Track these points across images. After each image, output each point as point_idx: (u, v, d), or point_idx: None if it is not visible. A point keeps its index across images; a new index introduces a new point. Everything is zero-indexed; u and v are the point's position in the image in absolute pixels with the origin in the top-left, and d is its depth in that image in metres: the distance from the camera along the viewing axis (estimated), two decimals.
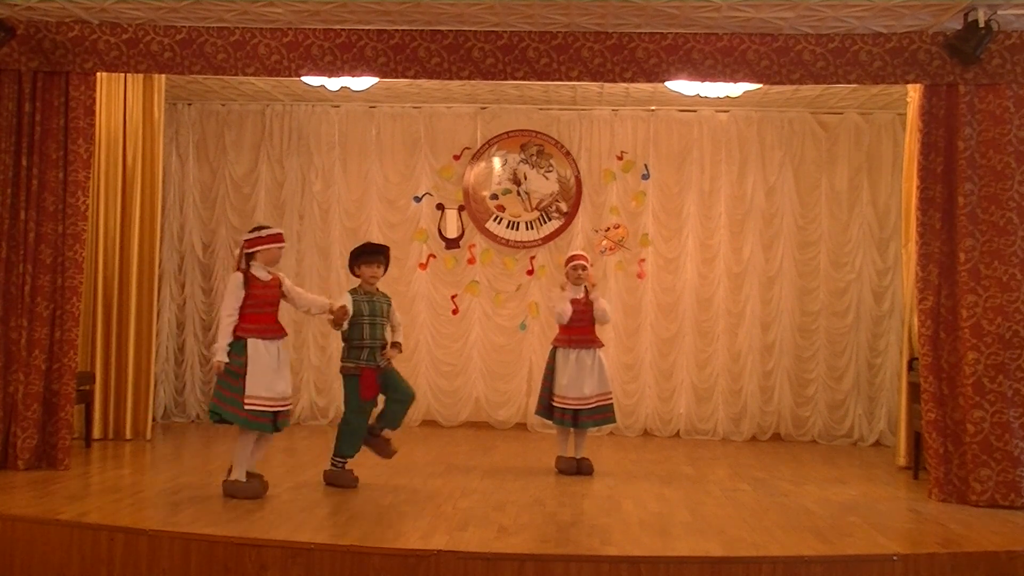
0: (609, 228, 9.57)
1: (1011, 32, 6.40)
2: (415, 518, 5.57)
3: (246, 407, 5.93)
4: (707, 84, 7.48)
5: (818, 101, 9.16)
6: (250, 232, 6.30)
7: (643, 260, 9.53)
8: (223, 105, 9.85)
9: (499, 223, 9.63)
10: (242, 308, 6.08)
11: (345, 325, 6.42)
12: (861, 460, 8.33)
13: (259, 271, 6.19)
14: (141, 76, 8.24)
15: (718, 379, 9.43)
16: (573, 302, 7.23)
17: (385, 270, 6.75)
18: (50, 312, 6.89)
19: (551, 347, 7.38)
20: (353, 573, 4.81)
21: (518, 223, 9.63)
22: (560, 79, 6.82)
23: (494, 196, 9.66)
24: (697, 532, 5.37)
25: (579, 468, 7.16)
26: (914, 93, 7.19)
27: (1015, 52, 6.43)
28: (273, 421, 6.07)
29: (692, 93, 8.20)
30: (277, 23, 6.72)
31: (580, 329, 7.23)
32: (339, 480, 6.49)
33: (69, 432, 6.97)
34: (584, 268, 7.32)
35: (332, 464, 6.57)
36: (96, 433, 8.08)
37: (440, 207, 9.74)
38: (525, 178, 9.64)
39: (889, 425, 9.10)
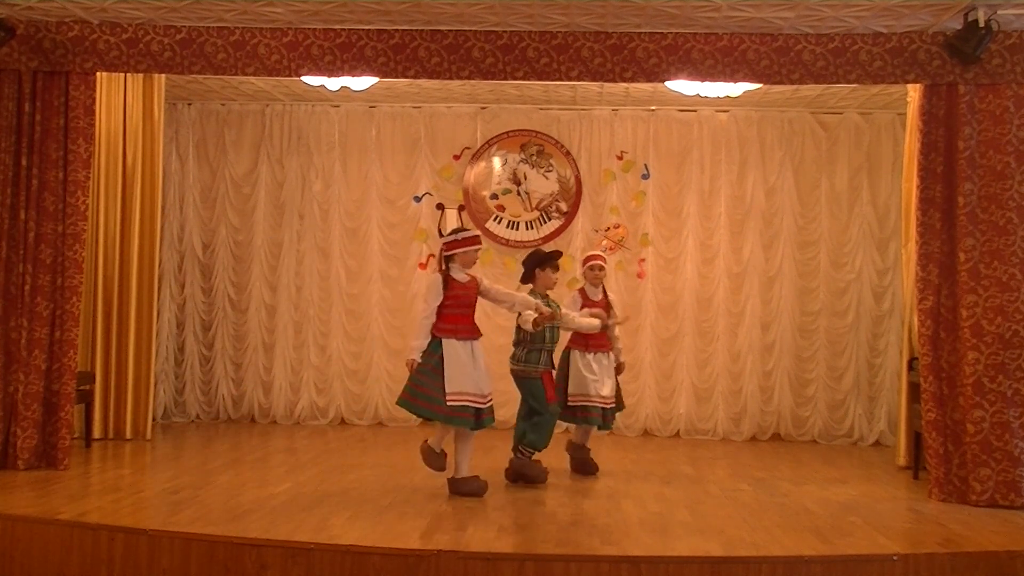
0: (609, 228, 9.57)
1: (1011, 32, 6.40)
2: (415, 518, 5.57)
3: (449, 403, 6.04)
4: (707, 84, 7.48)
5: (818, 101, 9.16)
6: (448, 235, 6.41)
7: (643, 260, 9.53)
8: (223, 105, 9.85)
9: (499, 223, 9.64)
10: (440, 309, 6.19)
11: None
12: (861, 460, 8.33)
13: (457, 273, 6.29)
14: (141, 76, 8.24)
15: (718, 379, 9.43)
16: (591, 304, 7.19)
17: None
18: (50, 312, 6.89)
19: (564, 349, 7.25)
20: (353, 573, 4.81)
21: (518, 223, 9.64)
22: (560, 79, 6.82)
23: (494, 196, 9.66)
24: (697, 532, 5.37)
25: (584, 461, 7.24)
26: (914, 93, 7.19)
27: (1015, 52, 6.43)
28: (475, 417, 6.16)
29: (692, 93, 8.20)
30: (277, 23, 6.72)
31: (598, 332, 7.13)
32: (530, 470, 6.62)
33: (69, 432, 6.97)
34: (602, 268, 7.32)
35: (518, 454, 6.68)
36: (96, 433, 8.09)
37: (440, 207, 9.74)
38: (525, 178, 9.64)
39: (889, 425, 9.10)
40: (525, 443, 6.68)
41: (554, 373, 6.84)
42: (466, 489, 6.22)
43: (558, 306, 6.79)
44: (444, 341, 6.15)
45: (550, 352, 6.71)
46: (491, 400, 6.26)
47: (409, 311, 9.35)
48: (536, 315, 6.39)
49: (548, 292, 6.86)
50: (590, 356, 7.11)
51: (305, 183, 9.78)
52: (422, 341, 6.18)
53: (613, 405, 7.19)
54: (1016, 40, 6.43)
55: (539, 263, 6.81)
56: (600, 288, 7.32)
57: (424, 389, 6.10)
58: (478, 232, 6.70)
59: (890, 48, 6.55)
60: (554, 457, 7.39)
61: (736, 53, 6.65)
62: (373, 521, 5.45)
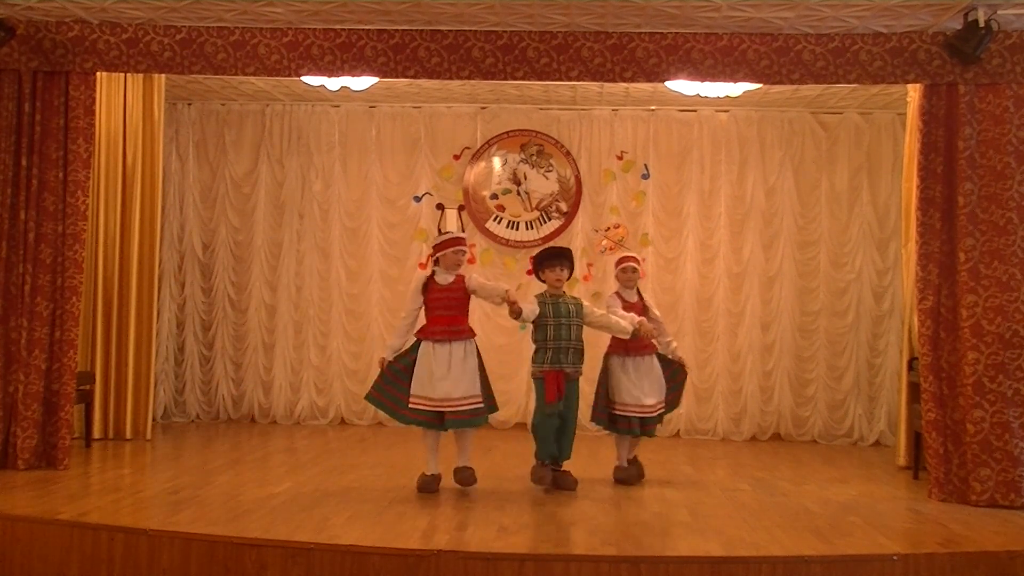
0: (609, 228, 9.57)
1: (1011, 32, 6.40)
2: (415, 518, 5.57)
3: (410, 405, 6.25)
4: (707, 84, 7.48)
5: (818, 101, 9.17)
6: (437, 237, 6.64)
7: (643, 260, 9.50)
8: (223, 105, 9.85)
9: (499, 223, 9.64)
10: (425, 310, 6.41)
11: (525, 320, 6.45)
12: (861, 460, 8.33)
13: (440, 275, 6.41)
14: (141, 76, 8.24)
15: (718, 379, 9.42)
16: (627, 307, 6.85)
17: (570, 274, 6.72)
18: (50, 312, 6.89)
19: (604, 354, 6.97)
20: (353, 573, 4.81)
21: (518, 223, 9.64)
22: (560, 79, 6.82)
23: (494, 196, 9.66)
24: (697, 532, 5.37)
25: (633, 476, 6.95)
26: (914, 93, 7.19)
27: (1015, 52, 6.43)
28: (438, 420, 6.25)
29: (692, 93, 8.20)
30: (277, 23, 6.72)
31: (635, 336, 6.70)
32: (533, 474, 6.48)
33: (69, 432, 6.97)
34: (635, 270, 7.01)
35: (536, 460, 6.58)
36: (96, 433, 8.09)
37: (440, 207, 9.74)
38: (525, 178, 9.64)
39: (889, 425, 9.10)
40: (535, 455, 6.56)
41: (566, 373, 6.47)
42: (419, 483, 6.35)
43: (580, 304, 6.58)
44: (421, 343, 6.31)
45: (557, 350, 6.45)
46: (466, 403, 6.25)
47: None
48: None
49: (558, 290, 6.59)
50: (630, 361, 6.80)
51: (305, 183, 9.79)
52: (395, 341, 6.47)
53: (655, 413, 6.84)
54: (1016, 40, 6.43)
55: (539, 264, 6.70)
56: (635, 290, 7.01)
57: (390, 388, 6.33)
58: (461, 234, 6.76)
59: (890, 48, 6.55)
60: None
61: (736, 53, 6.65)
62: (373, 521, 5.45)
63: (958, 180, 6.50)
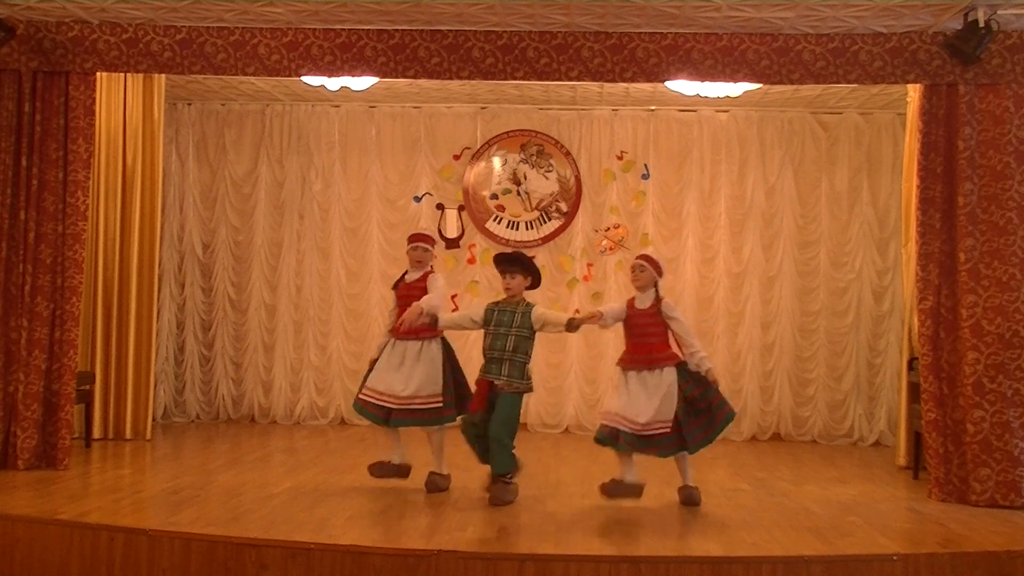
0: (609, 228, 9.58)
1: (1011, 32, 6.41)
2: (415, 518, 5.57)
3: (360, 396, 6.43)
4: (707, 84, 7.48)
5: (818, 101, 9.17)
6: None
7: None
8: (223, 105, 9.85)
9: (499, 223, 9.64)
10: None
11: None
12: (861, 460, 8.33)
13: (408, 273, 6.56)
14: (141, 76, 8.25)
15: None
16: (634, 314, 6.11)
17: (530, 281, 6.22)
18: (50, 312, 6.89)
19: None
20: (353, 573, 4.81)
21: (518, 223, 9.64)
22: (560, 79, 6.82)
23: (494, 196, 9.66)
24: (697, 532, 5.37)
25: (688, 498, 6.14)
26: (914, 93, 7.19)
27: (1015, 52, 6.43)
28: (383, 414, 6.32)
29: (692, 93, 8.21)
30: (277, 23, 6.72)
31: (642, 346, 6.06)
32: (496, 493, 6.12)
33: (69, 432, 6.97)
34: (643, 268, 6.13)
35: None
36: (96, 433, 8.09)
37: (440, 207, 9.74)
38: (525, 178, 9.64)
39: (889, 425, 9.10)
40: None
41: (495, 384, 6.05)
42: (371, 466, 6.50)
43: (528, 313, 6.08)
44: (389, 341, 6.47)
45: (489, 360, 6.10)
46: (417, 402, 6.22)
47: None
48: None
49: (511, 297, 6.19)
50: (633, 374, 6.02)
51: (305, 183, 9.79)
52: (381, 340, 6.62)
53: (649, 432, 5.90)
54: (1016, 40, 6.43)
55: (497, 268, 6.39)
56: (650, 294, 6.10)
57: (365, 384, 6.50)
58: (424, 231, 6.86)
59: (890, 48, 6.56)
60: (551, 457, 7.39)
61: (736, 53, 6.65)
62: (373, 521, 5.46)
63: (958, 180, 6.50)
